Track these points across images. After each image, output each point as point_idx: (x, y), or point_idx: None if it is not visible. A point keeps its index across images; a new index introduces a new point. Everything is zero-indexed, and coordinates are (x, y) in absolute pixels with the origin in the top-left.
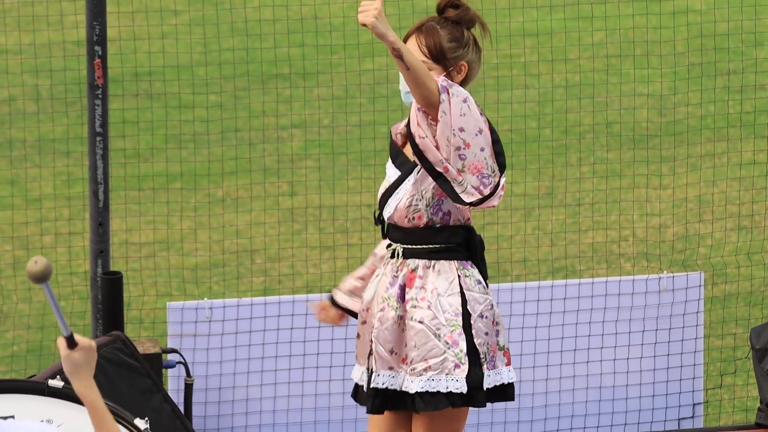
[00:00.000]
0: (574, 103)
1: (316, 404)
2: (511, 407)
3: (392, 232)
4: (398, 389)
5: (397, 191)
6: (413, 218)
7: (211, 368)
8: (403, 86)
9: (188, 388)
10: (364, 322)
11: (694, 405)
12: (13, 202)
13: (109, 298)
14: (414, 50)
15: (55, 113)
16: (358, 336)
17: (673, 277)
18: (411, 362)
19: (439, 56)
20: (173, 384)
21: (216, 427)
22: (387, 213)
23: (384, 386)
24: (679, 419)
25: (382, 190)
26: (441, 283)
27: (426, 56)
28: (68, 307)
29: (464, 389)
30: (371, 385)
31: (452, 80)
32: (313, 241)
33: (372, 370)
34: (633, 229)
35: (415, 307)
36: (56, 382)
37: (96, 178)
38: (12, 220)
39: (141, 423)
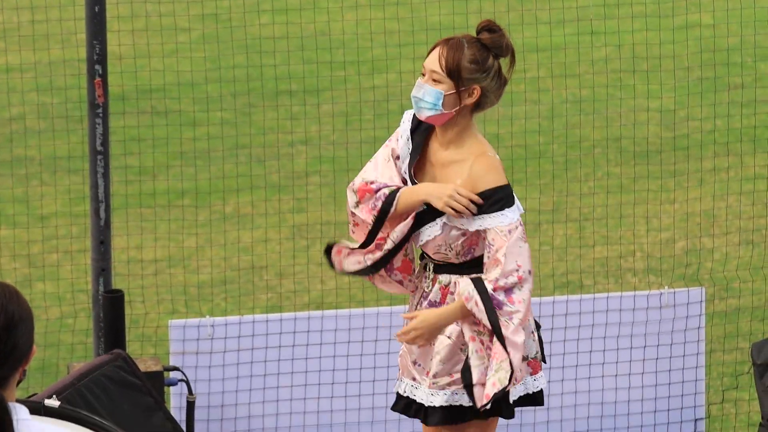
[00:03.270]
0: (582, 118)
1: (318, 421)
2: (513, 423)
3: (430, 255)
4: (417, 401)
5: (425, 228)
6: (443, 257)
7: (213, 386)
8: (416, 91)
9: (190, 406)
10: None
11: (696, 420)
12: (19, 220)
13: (111, 316)
14: (433, 60)
15: (61, 131)
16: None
17: (675, 292)
18: (435, 375)
19: (453, 72)
20: (175, 402)
21: None
22: (419, 242)
23: (405, 394)
24: None
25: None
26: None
27: (441, 68)
28: (75, 325)
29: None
30: (395, 389)
31: (461, 102)
32: (319, 258)
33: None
34: (640, 244)
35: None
36: (52, 402)
37: (97, 196)
38: (18, 237)
39: None
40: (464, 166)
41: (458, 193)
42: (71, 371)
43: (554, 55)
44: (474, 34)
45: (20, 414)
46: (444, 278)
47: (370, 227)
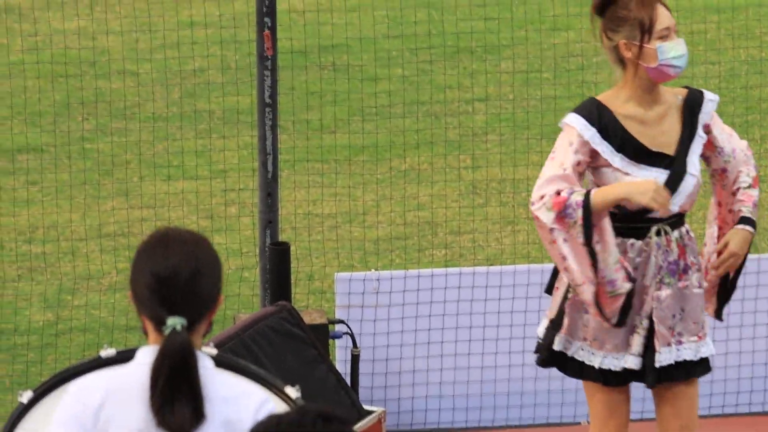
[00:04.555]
0: (759, 78)
1: (482, 377)
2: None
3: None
4: (672, 362)
5: (682, 187)
6: (684, 208)
7: (378, 339)
8: (684, 49)
9: (355, 359)
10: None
11: None
12: (199, 173)
13: (277, 268)
14: (669, 15)
15: (242, 84)
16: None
17: None
18: (703, 326)
19: None
20: (340, 355)
21: (382, 398)
22: (674, 206)
23: (666, 363)
24: None
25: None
26: (694, 245)
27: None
28: (251, 277)
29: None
30: (657, 365)
31: None
32: (494, 215)
33: (641, 353)
34: None
35: (693, 274)
36: (210, 349)
37: (265, 148)
38: (198, 189)
39: (292, 391)
40: (673, 106)
41: (660, 190)
42: (237, 322)
43: (733, 15)
44: None
45: (205, 363)
46: (676, 234)
47: (584, 243)
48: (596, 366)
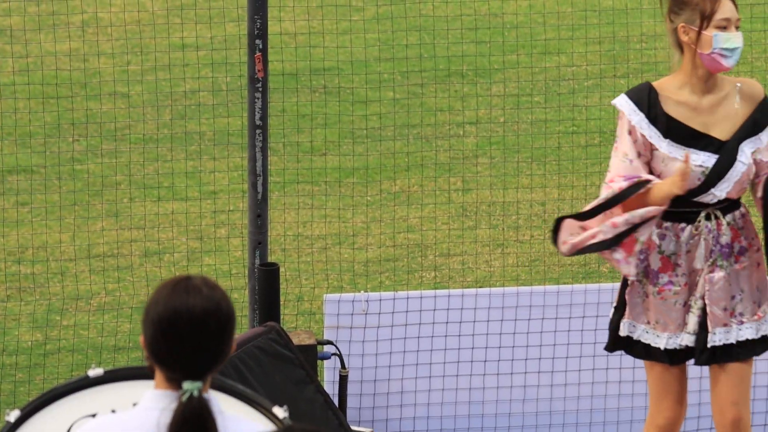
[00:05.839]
0: None
1: (470, 398)
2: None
3: (708, 203)
4: (731, 342)
5: (730, 174)
6: (739, 193)
7: (366, 360)
8: (738, 41)
9: (343, 380)
10: (678, 289)
11: None
12: (190, 195)
13: (266, 289)
14: (733, 8)
15: (232, 107)
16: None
17: None
18: (760, 304)
19: None
20: (328, 376)
21: (370, 419)
22: (720, 192)
23: (721, 343)
24: None
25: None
26: (750, 227)
27: (738, 14)
28: (240, 298)
29: None
30: (709, 344)
31: None
32: (484, 238)
33: (696, 331)
34: None
35: (751, 254)
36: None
37: (255, 170)
38: (187, 210)
39: (280, 411)
40: (732, 94)
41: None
42: None
43: None
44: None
45: (213, 402)
46: (728, 218)
47: (601, 201)
48: (662, 347)
